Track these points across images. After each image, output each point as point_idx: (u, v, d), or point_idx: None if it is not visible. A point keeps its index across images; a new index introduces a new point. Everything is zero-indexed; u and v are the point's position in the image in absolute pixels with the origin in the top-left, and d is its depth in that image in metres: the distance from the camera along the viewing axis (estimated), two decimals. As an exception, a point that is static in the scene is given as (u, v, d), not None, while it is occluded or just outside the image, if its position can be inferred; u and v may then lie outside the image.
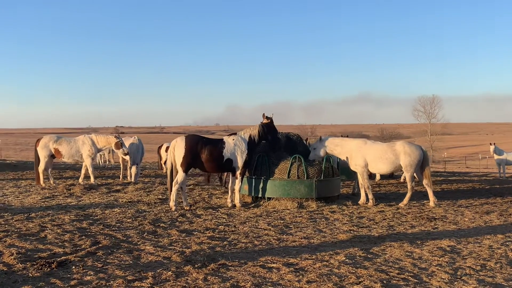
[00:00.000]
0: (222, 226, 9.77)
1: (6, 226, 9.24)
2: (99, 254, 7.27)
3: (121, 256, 7.23)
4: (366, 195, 13.29)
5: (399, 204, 13.02)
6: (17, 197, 13.55)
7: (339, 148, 13.44)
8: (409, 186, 13.10)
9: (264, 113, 12.86)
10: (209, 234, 9.00)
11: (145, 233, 8.88)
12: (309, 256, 7.46)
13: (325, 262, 7.12)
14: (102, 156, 27.30)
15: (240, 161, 12.22)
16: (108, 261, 6.94)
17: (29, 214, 10.49)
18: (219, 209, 11.99)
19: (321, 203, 12.62)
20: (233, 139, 12.34)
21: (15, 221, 9.74)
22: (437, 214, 11.82)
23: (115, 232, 8.89)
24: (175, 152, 11.90)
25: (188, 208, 11.86)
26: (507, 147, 38.88)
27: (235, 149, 12.21)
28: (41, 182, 16.31)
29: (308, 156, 13.33)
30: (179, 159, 11.81)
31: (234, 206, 12.30)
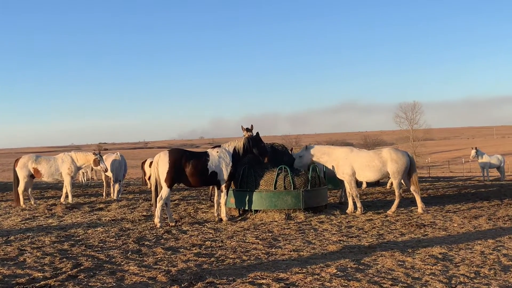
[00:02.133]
0: (209, 242, 9.52)
1: (-17, 251, 8.88)
2: (80, 277, 6.96)
3: (104, 278, 6.93)
4: (354, 203, 13.14)
5: (387, 212, 12.88)
6: (-4, 219, 13.13)
7: (326, 156, 13.30)
8: (396, 193, 12.98)
9: (242, 126, 12.72)
10: (196, 251, 8.74)
11: (129, 253, 8.58)
12: (300, 270, 7.24)
13: (316, 276, 6.90)
14: (85, 174, 26.83)
15: (225, 174, 11.99)
16: (90, 284, 6.64)
17: (8, 237, 10.11)
18: (206, 223, 11.73)
19: (309, 214, 12.43)
20: (218, 152, 12.12)
21: (-7, 245, 9.38)
22: (426, 220, 11.70)
23: (98, 253, 8.58)
24: (159, 167, 11.64)
25: (173, 224, 11.58)
26: (488, 150, 39.16)
27: (220, 161, 11.98)
28: (21, 203, 15.88)
29: (293, 166, 13.13)
30: (163, 175, 11.54)
31: (220, 220, 12.04)
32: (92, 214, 13.65)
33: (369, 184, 20.62)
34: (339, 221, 11.83)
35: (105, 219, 12.52)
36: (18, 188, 16.07)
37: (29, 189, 16.41)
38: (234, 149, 12.23)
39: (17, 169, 16.26)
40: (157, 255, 8.44)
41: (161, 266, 7.60)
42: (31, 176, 16.29)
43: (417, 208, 13.04)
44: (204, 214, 13.17)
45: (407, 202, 14.70)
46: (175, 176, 11.57)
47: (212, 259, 8.09)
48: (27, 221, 12.55)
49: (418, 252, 8.36)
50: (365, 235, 10.10)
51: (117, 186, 17.44)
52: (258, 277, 6.91)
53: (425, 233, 10.21)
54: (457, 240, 9.34)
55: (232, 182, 12.61)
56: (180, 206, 14.94)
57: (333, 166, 13.24)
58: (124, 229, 11.07)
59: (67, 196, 16.45)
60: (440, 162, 74.17)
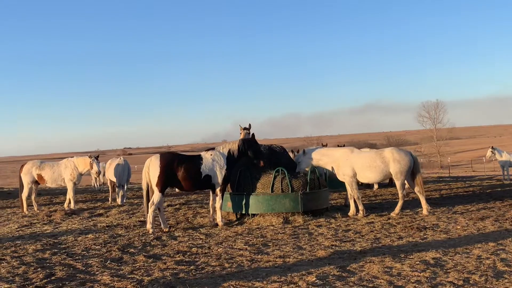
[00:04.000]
0: (196, 248, 9.18)
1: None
2: (47, 288, 6.70)
3: (72, 289, 6.66)
4: (356, 206, 12.67)
5: (391, 214, 12.39)
6: (-6, 227, 13.04)
7: (325, 158, 12.85)
8: (400, 195, 12.47)
9: (240, 125, 12.36)
10: (178, 258, 8.41)
11: (109, 261, 8.28)
12: (278, 278, 6.85)
13: (292, 285, 6.51)
14: (97, 179, 26.79)
15: (219, 177, 11.64)
16: (54, 295, 6.37)
17: (-5, 246, 9.96)
18: (200, 229, 11.40)
19: (308, 217, 12.00)
20: (211, 155, 11.78)
21: (-26, 254, 9.21)
22: (428, 222, 11.17)
23: (77, 262, 8.32)
24: (150, 171, 11.35)
25: (167, 230, 11.28)
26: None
27: (214, 164, 11.64)
28: (25, 209, 15.82)
29: (292, 168, 12.70)
30: (154, 179, 11.25)
31: (216, 225, 11.70)
32: (89, 220, 13.46)
33: (381, 185, 20.09)
34: (338, 224, 11.38)
35: (100, 226, 12.30)
36: (22, 194, 16.03)
37: (33, 196, 16.33)
38: (229, 151, 11.88)
39: (21, 175, 16.23)
40: (136, 263, 8.14)
41: (135, 276, 7.29)
42: (36, 182, 16.23)
43: (422, 210, 12.50)
44: (202, 219, 12.83)
45: (416, 203, 14.10)
46: (166, 180, 11.26)
47: (192, 267, 7.75)
48: (22, 228, 12.41)
49: (410, 257, 7.88)
50: (360, 239, 9.65)
51: (121, 191, 17.25)
52: (231, 286, 6.55)
53: (425, 236, 9.70)
54: (456, 244, 8.82)
55: (228, 185, 12.27)
56: (180, 210, 14.66)
57: (332, 168, 12.79)
58: (114, 235, 10.82)
59: (71, 202, 16.33)
60: (465, 162, 72.54)
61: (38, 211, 15.71)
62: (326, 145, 19.73)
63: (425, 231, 10.15)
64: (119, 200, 17.21)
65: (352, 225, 11.22)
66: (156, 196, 11.22)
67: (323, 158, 12.83)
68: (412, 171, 12.46)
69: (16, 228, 12.47)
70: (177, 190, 12.85)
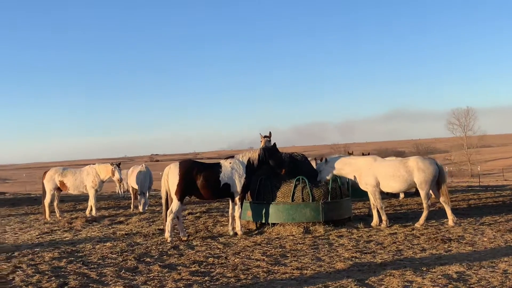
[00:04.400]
0: (212, 258, 9.01)
1: (-23, 268, 8.71)
2: (58, 298, 6.61)
3: (82, 299, 6.55)
4: (380, 216, 12.35)
5: (415, 225, 12.02)
6: (16, 233, 13.12)
7: (348, 167, 12.55)
8: (424, 205, 12.10)
9: (260, 133, 12.18)
10: (194, 269, 8.25)
11: (123, 271, 8.18)
12: (293, 292, 6.64)
13: (307, 299, 6.28)
14: (122, 185, 26.92)
15: (238, 186, 11.48)
16: (64, 306, 6.27)
17: (13, 253, 9.96)
18: (219, 238, 11.24)
19: (329, 227, 11.74)
20: (230, 163, 11.63)
21: (-8, 262, 9.23)
22: (454, 234, 10.79)
23: (91, 271, 8.24)
24: (169, 179, 11.26)
25: (185, 238, 11.16)
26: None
27: (233, 173, 11.49)
28: (47, 216, 15.92)
29: (313, 177, 12.44)
30: (173, 187, 11.15)
31: (235, 234, 11.54)
32: (109, 228, 13.44)
33: (407, 194, 19.65)
34: (359, 235, 11.09)
35: (120, 233, 12.25)
36: (45, 201, 16.13)
37: (56, 202, 16.41)
38: (249, 160, 11.71)
39: (44, 181, 16.34)
40: (151, 273, 8.01)
41: (148, 286, 7.16)
42: (58, 189, 16.32)
43: (448, 221, 12.11)
44: (221, 227, 12.68)
45: (443, 212, 13.65)
46: (185, 189, 11.15)
47: (206, 278, 7.58)
48: (43, 235, 12.46)
49: (433, 271, 7.56)
50: (382, 251, 9.34)
51: (142, 198, 17.23)
52: (244, 299, 6.35)
53: (449, 248, 9.35)
54: (482, 257, 8.44)
55: (248, 194, 12.11)
56: (201, 219, 14.54)
57: (354, 177, 12.49)
58: (132, 244, 10.74)
59: (92, 209, 16.37)
60: (496, 170, 70.92)
61: (60, 218, 15.78)
62: (352, 153, 19.42)
63: (450, 243, 9.79)
64: (141, 208, 17.20)
65: (374, 236, 10.92)
66: (174, 204, 11.11)
67: (345, 167, 12.54)
68: (438, 181, 12.08)
69: (37, 235, 12.52)
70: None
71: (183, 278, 7.62)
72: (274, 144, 12.03)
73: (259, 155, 11.74)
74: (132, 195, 18.63)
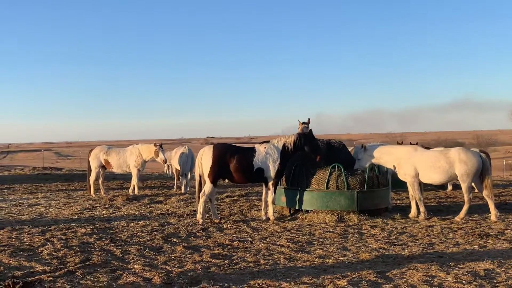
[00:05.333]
0: (238, 242, 8.99)
1: (12, 240, 9.05)
2: (77, 273, 6.74)
3: (100, 276, 6.67)
4: (418, 207, 11.97)
5: (455, 218, 11.58)
6: (59, 208, 13.58)
7: (386, 156, 12.20)
8: (466, 198, 11.62)
9: (299, 120, 11.98)
10: (217, 251, 8.26)
11: (147, 250, 8.29)
12: (308, 280, 6.51)
13: (319, 288, 6.15)
14: (170, 166, 27.34)
15: (272, 171, 11.38)
16: (81, 281, 6.40)
17: (48, 227, 10.32)
18: (250, 222, 11.22)
19: (364, 217, 11.48)
20: (265, 147, 11.54)
21: (27, 234, 9.57)
22: (494, 230, 10.31)
23: (117, 248, 8.40)
24: (203, 162, 11.30)
25: (217, 221, 11.21)
26: None
27: (267, 157, 11.40)
28: (92, 192, 16.38)
29: (350, 165, 12.18)
30: (206, 170, 11.19)
31: (268, 219, 11.48)
32: (148, 206, 13.70)
33: (456, 186, 18.95)
34: (394, 226, 10.79)
35: (156, 213, 12.47)
36: (90, 178, 16.60)
37: (100, 180, 16.85)
38: (284, 145, 11.58)
39: (90, 159, 16.80)
40: (173, 253, 8.09)
41: (166, 267, 7.21)
42: (103, 167, 16.73)
43: (491, 216, 11.60)
44: (256, 212, 12.66)
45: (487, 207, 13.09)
46: (218, 172, 11.17)
47: (226, 261, 7.57)
48: (83, 211, 12.83)
49: (460, 266, 7.24)
50: (412, 243, 9.04)
51: (184, 179, 17.43)
52: (257, 285, 6.29)
53: (485, 244, 8.93)
54: (517, 255, 8.03)
55: (283, 179, 12.00)
56: (238, 202, 14.57)
57: (394, 166, 12.13)
58: (164, 223, 10.89)
59: (135, 188, 16.72)
60: None
61: (104, 195, 16.20)
62: (401, 143, 18.83)
63: (487, 239, 9.35)
64: (183, 188, 17.42)
65: (409, 228, 10.59)
66: (207, 186, 11.16)
67: (384, 156, 12.20)
68: (481, 174, 11.56)
69: (78, 211, 12.91)
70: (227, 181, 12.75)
71: (203, 260, 7.64)
72: (310, 130, 11.82)
73: (294, 140, 11.59)
74: (175, 176, 18.91)
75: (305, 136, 11.66)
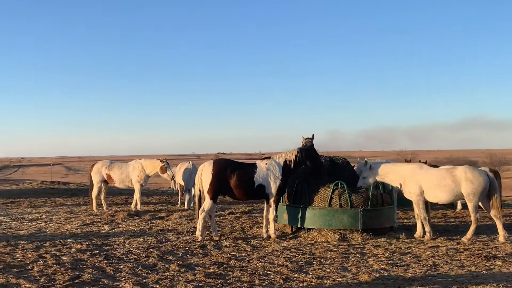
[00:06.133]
0: (234, 261, 8.74)
1: (4, 255, 8.88)
2: (64, 291, 6.55)
3: (86, 294, 6.46)
4: (423, 227, 11.64)
5: (462, 239, 11.24)
6: (59, 223, 13.42)
7: (391, 174, 11.91)
8: (472, 218, 11.28)
9: (302, 136, 11.76)
10: (211, 270, 8.01)
11: (140, 268, 8.06)
12: (302, 302, 6.24)
13: (313, 312, 5.88)
14: (175, 182, 27.12)
15: (273, 187, 11.14)
16: (66, 299, 6.19)
17: (44, 243, 10.14)
18: (251, 240, 10.96)
19: (367, 236, 11.17)
20: (266, 163, 11.32)
21: (21, 250, 9.41)
22: (501, 251, 9.95)
23: (110, 265, 8.18)
24: (203, 177, 11.09)
25: (217, 238, 10.96)
26: None
27: (268, 174, 11.17)
28: (94, 207, 16.22)
29: (353, 182, 11.89)
30: (206, 185, 10.98)
31: (269, 237, 11.21)
32: (148, 222, 13.49)
33: (465, 206, 18.51)
34: (398, 246, 10.47)
35: (156, 229, 12.25)
36: (92, 193, 16.45)
37: (102, 195, 16.70)
38: (285, 161, 11.35)
39: (92, 174, 16.67)
40: (166, 272, 7.85)
41: (158, 286, 6.99)
42: (105, 182, 16.59)
43: (499, 237, 11.24)
44: (258, 229, 12.39)
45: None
46: (218, 188, 10.95)
47: (220, 281, 7.32)
48: (82, 227, 12.66)
49: (463, 290, 6.94)
50: (416, 264, 8.73)
51: (187, 195, 17.23)
52: (248, 307, 6.03)
53: (491, 266, 8.60)
54: (524, 279, 7.69)
55: (285, 196, 11.76)
56: (240, 219, 14.31)
57: (400, 185, 11.83)
58: (162, 240, 10.67)
59: (137, 203, 16.53)
60: None
61: (106, 210, 16.03)
62: (409, 161, 18.49)
63: (493, 261, 9.01)
64: (186, 204, 17.21)
65: (413, 248, 10.27)
66: (207, 203, 10.94)
67: (389, 175, 11.91)
68: (488, 193, 11.23)
69: (77, 226, 12.74)
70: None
71: (196, 279, 7.40)
72: (312, 145, 11.59)
73: (296, 156, 11.36)
74: (179, 192, 18.73)
75: (307, 151, 11.43)
